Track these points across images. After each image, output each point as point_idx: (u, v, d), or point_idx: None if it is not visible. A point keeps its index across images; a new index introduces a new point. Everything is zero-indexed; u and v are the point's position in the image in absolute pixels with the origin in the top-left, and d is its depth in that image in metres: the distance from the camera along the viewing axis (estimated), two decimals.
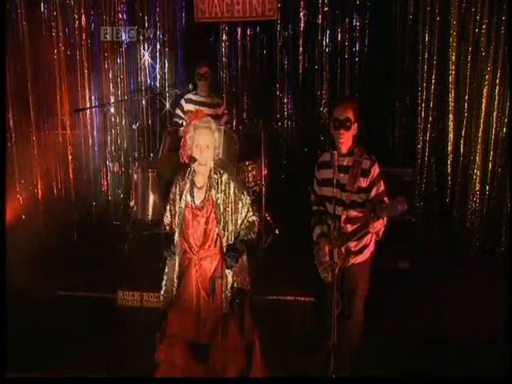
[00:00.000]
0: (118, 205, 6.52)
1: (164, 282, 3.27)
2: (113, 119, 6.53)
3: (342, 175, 3.19)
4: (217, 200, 3.08)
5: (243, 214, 3.15)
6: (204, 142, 3.04)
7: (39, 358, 3.82)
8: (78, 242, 5.92)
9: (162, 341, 3.17)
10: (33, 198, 5.86)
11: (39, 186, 5.88)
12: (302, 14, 6.44)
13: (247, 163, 5.53)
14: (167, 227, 3.28)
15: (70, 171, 6.15)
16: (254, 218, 3.19)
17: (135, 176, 5.55)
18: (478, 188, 5.22)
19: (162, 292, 3.28)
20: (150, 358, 3.24)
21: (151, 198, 5.51)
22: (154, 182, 5.50)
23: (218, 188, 3.10)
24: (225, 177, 3.12)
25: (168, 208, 3.26)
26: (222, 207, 3.09)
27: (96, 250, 5.48)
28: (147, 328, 4.17)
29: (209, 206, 3.11)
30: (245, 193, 3.18)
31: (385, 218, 3.03)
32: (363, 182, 3.19)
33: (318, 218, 3.42)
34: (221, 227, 3.10)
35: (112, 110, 6.44)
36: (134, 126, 6.34)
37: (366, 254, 3.34)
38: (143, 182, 5.49)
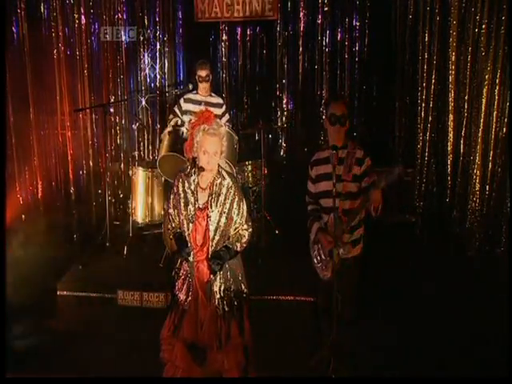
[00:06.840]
0: (117, 205, 6.53)
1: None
2: (113, 119, 6.54)
3: (337, 167, 3.22)
4: (215, 202, 3.02)
5: (237, 223, 3.10)
6: (212, 150, 2.95)
7: (39, 358, 3.82)
8: (78, 241, 5.93)
9: (165, 340, 3.17)
10: (33, 198, 5.85)
11: (39, 186, 5.87)
12: (302, 13, 6.43)
13: (247, 163, 5.52)
14: (175, 228, 3.19)
15: (70, 171, 6.14)
16: (245, 232, 3.12)
17: (135, 176, 5.55)
18: (477, 188, 5.22)
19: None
20: (150, 358, 3.24)
21: (151, 198, 5.51)
22: (154, 182, 5.51)
23: (219, 191, 3.03)
24: (228, 181, 3.05)
25: (173, 208, 3.15)
26: (217, 210, 3.03)
27: (96, 250, 5.48)
28: (147, 328, 4.19)
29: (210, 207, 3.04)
30: (244, 202, 3.11)
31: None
32: (357, 170, 3.28)
33: (314, 217, 3.46)
34: (212, 230, 3.04)
35: (112, 110, 6.45)
36: (133, 125, 6.33)
37: (359, 248, 3.40)
38: (143, 182, 5.50)
